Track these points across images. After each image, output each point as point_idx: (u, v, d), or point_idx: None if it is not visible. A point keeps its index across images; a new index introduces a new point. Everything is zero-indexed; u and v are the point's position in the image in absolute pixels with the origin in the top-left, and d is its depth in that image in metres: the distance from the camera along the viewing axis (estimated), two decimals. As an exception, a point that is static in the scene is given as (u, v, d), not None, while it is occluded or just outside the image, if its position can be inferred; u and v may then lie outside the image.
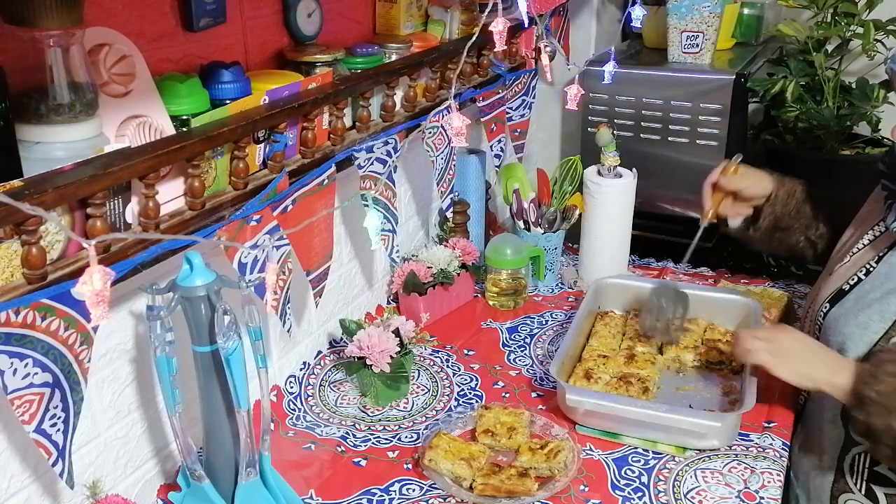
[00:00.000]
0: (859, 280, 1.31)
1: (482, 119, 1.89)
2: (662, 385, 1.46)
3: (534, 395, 1.49)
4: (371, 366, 1.41)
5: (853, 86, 2.22)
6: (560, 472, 1.24)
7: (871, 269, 1.30)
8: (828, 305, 1.33)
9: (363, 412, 1.45)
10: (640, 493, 1.23)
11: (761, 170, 1.56)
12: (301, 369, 1.54)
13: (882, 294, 1.24)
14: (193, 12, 1.19)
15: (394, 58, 1.58)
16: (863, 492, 1.26)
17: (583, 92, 1.49)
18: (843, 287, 1.32)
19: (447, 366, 1.59)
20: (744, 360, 1.35)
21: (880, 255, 1.30)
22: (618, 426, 1.34)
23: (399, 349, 1.43)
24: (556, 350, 1.50)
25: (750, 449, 1.32)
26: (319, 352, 1.61)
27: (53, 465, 0.95)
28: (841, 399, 1.19)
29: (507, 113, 1.96)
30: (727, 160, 1.57)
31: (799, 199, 1.53)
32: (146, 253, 1.04)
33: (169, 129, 1.14)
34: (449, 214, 1.90)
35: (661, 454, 1.32)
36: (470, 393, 1.50)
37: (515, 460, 1.27)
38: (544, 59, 1.54)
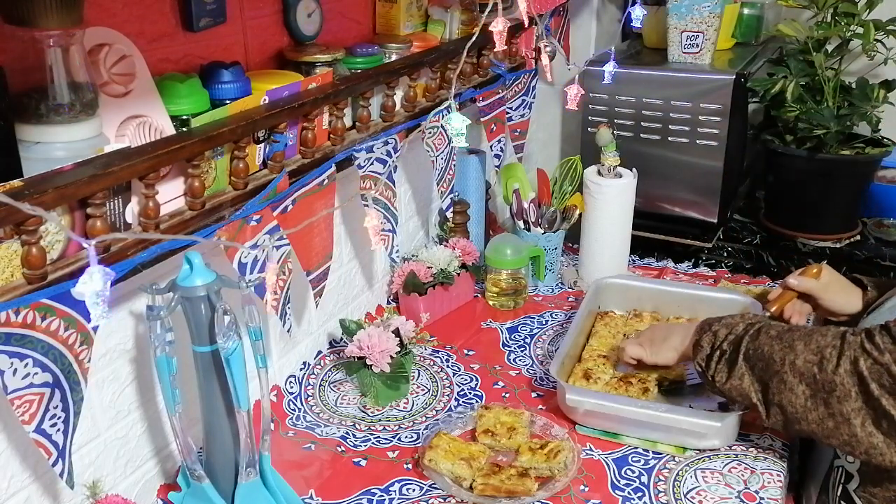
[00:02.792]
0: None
1: (482, 119, 1.89)
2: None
3: (534, 395, 1.49)
4: (371, 366, 1.41)
5: (853, 86, 2.22)
6: (560, 473, 1.24)
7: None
8: (865, 316, 1.32)
9: (363, 412, 1.45)
10: (640, 493, 1.23)
11: (860, 282, 1.42)
12: (301, 369, 1.54)
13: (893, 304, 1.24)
14: (193, 12, 1.19)
15: (394, 58, 1.58)
16: None
17: (583, 92, 1.49)
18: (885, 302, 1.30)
19: (447, 366, 1.59)
20: (622, 359, 1.45)
21: None
22: (618, 426, 1.34)
23: (399, 349, 1.43)
24: (556, 350, 1.50)
25: (750, 449, 1.32)
26: (319, 352, 1.61)
27: (53, 465, 0.95)
28: (695, 337, 1.29)
29: (507, 113, 1.96)
30: (814, 264, 1.48)
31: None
32: (146, 253, 1.04)
33: (169, 129, 1.14)
34: (449, 214, 1.90)
35: (661, 454, 1.32)
36: (470, 393, 1.50)
37: (515, 460, 1.27)
38: (544, 59, 1.54)
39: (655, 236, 2.14)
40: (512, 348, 1.64)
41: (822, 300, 1.43)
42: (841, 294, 1.42)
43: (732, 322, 1.26)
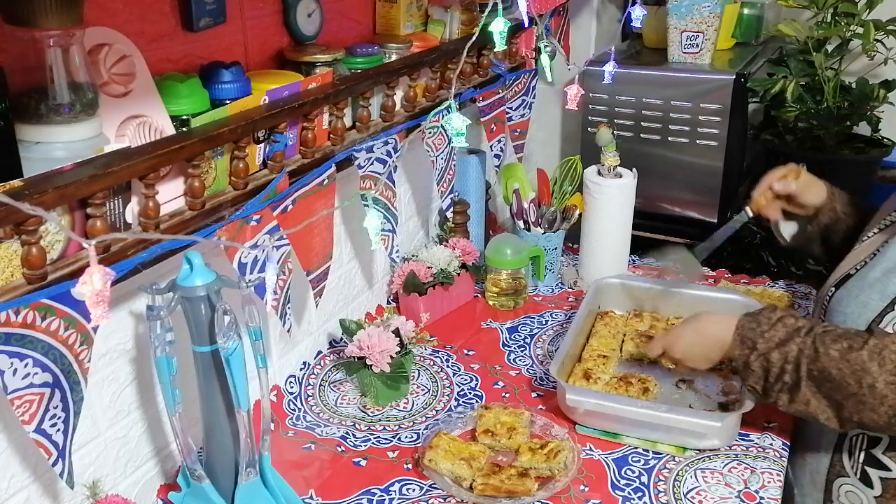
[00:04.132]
0: (865, 263, 1.31)
1: (482, 119, 1.89)
2: (662, 385, 1.46)
3: (534, 395, 1.49)
4: (371, 366, 1.41)
5: (853, 86, 2.22)
6: (560, 473, 1.24)
7: (877, 253, 1.31)
8: (833, 289, 1.34)
9: (363, 412, 1.45)
10: (640, 493, 1.23)
11: (817, 179, 1.55)
12: (301, 369, 1.54)
13: (882, 273, 1.25)
14: (193, 12, 1.19)
15: (394, 58, 1.58)
16: (858, 476, 1.25)
17: (583, 92, 1.49)
18: (850, 272, 1.33)
19: (447, 366, 1.59)
20: (651, 354, 1.43)
21: (887, 239, 1.31)
22: (618, 426, 1.34)
23: (399, 349, 1.43)
24: (556, 350, 1.50)
25: (750, 449, 1.33)
26: (319, 352, 1.61)
27: (53, 465, 0.95)
28: (733, 351, 1.25)
29: (507, 113, 1.96)
30: (793, 165, 1.54)
31: (847, 211, 1.52)
32: (146, 253, 1.04)
33: (169, 129, 1.14)
34: (449, 214, 1.90)
35: (661, 454, 1.32)
36: (470, 393, 1.50)
37: (515, 460, 1.27)
38: (544, 59, 1.54)
39: (655, 236, 2.14)
40: (512, 348, 1.64)
41: (799, 198, 1.51)
42: (813, 190, 1.52)
43: (781, 339, 1.20)
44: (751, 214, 1.55)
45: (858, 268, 1.32)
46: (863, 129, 2.25)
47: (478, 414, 1.37)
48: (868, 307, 1.23)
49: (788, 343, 1.19)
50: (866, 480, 1.25)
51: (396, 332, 1.44)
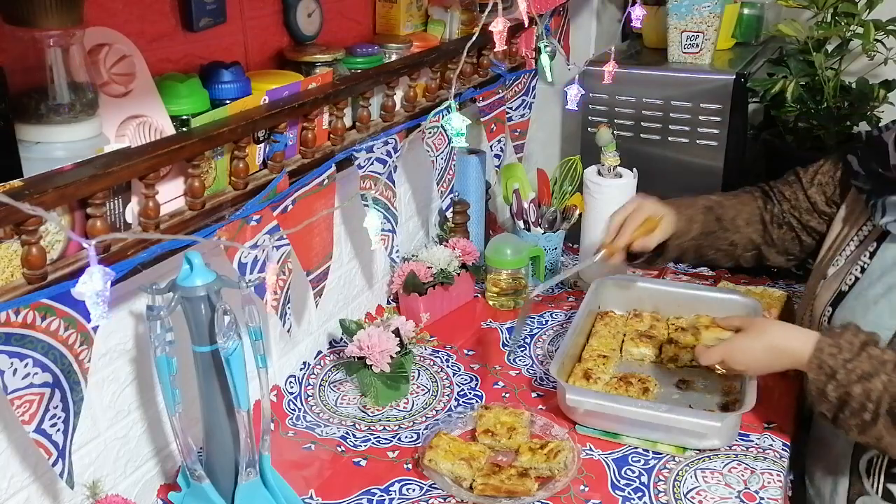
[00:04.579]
0: (857, 279, 1.30)
1: (482, 119, 1.89)
2: (662, 385, 1.46)
3: (534, 395, 1.49)
4: (371, 366, 1.41)
5: (853, 86, 2.22)
6: (560, 473, 1.24)
7: (866, 265, 1.29)
8: (830, 309, 1.32)
9: (363, 412, 1.45)
10: (640, 493, 1.23)
11: (660, 204, 1.50)
12: (301, 369, 1.54)
13: (885, 289, 1.24)
14: (193, 12, 1.19)
15: (394, 58, 1.58)
16: (880, 494, 1.24)
17: (583, 92, 1.49)
18: (843, 288, 1.32)
19: (447, 366, 1.59)
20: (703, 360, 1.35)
21: (871, 251, 1.29)
22: (618, 426, 1.34)
23: (399, 349, 1.43)
24: (556, 350, 1.50)
25: (750, 449, 1.32)
26: (319, 352, 1.61)
27: (53, 465, 0.95)
28: (811, 374, 1.19)
29: (507, 113, 1.96)
30: (649, 209, 1.48)
31: (700, 224, 1.50)
32: (146, 253, 1.04)
33: (169, 129, 1.14)
34: (449, 214, 1.90)
35: (661, 454, 1.32)
36: (470, 393, 1.50)
37: (515, 460, 1.27)
38: (544, 59, 1.54)
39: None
40: (512, 348, 1.64)
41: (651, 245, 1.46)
42: (663, 232, 1.47)
43: (866, 373, 1.13)
44: (601, 259, 1.47)
45: (850, 283, 1.30)
46: (863, 129, 2.25)
47: (478, 414, 1.37)
48: (882, 325, 1.21)
49: (873, 378, 1.12)
50: (889, 497, 1.24)
51: (396, 332, 1.44)
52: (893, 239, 1.26)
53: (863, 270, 1.30)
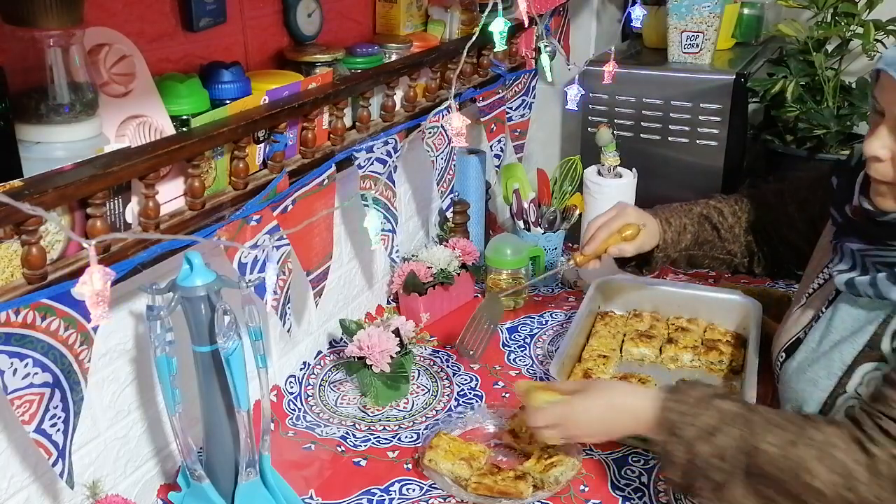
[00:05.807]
0: (811, 328, 1.20)
1: (482, 119, 1.89)
2: (662, 385, 1.46)
3: (534, 395, 1.49)
4: (371, 366, 1.41)
5: (853, 86, 2.22)
6: (550, 486, 1.22)
7: (820, 315, 1.18)
8: (784, 355, 1.23)
9: (363, 412, 1.45)
10: (640, 493, 1.23)
11: (644, 212, 1.45)
12: (301, 369, 1.54)
13: (830, 346, 1.13)
14: (193, 12, 1.19)
15: (394, 58, 1.58)
16: None
17: (583, 92, 1.49)
18: (800, 335, 1.21)
19: (447, 366, 1.59)
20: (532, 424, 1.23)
21: (829, 298, 1.18)
22: (618, 426, 1.34)
23: (399, 349, 1.43)
24: (556, 350, 1.50)
25: (750, 449, 1.32)
26: (319, 352, 1.61)
27: (53, 465, 0.95)
28: (653, 435, 1.11)
29: (507, 113, 1.96)
30: (630, 217, 1.42)
31: (692, 235, 1.47)
32: (146, 253, 1.04)
33: (169, 129, 1.14)
34: (449, 214, 1.90)
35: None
36: (470, 393, 1.50)
37: (521, 463, 1.27)
38: (544, 59, 1.54)
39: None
40: (512, 348, 1.64)
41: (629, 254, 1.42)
42: (645, 241, 1.42)
43: (712, 427, 1.05)
44: (575, 265, 1.42)
45: (807, 331, 1.20)
46: (863, 129, 2.25)
47: (513, 414, 1.36)
48: (818, 386, 1.12)
49: (719, 434, 1.03)
50: None
51: (396, 332, 1.44)
52: (845, 296, 1.13)
53: (816, 319, 1.19)
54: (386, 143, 1.47)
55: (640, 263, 1.50)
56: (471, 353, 1.36)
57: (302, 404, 1.47)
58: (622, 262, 1.51)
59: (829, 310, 1.16)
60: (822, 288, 1.22)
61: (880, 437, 0.98)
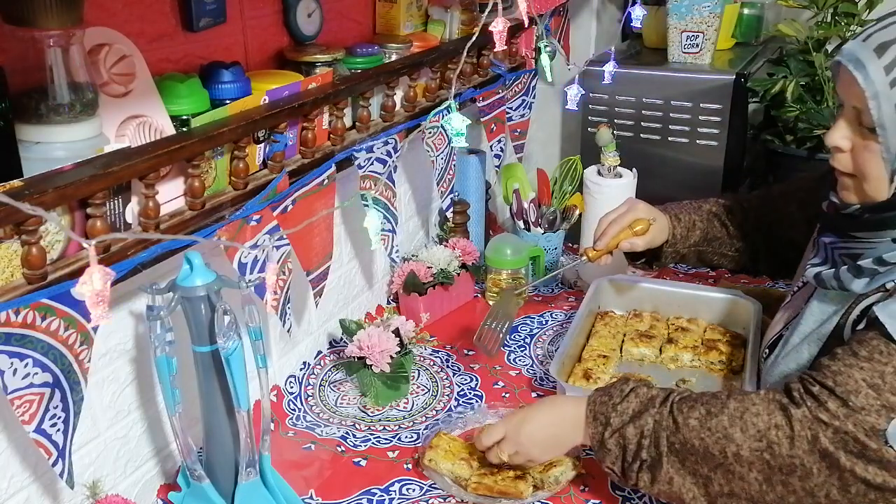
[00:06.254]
0: (791, 324, 1.21)
1: (482, 119, 1.89)
2: (662, 385, 1.46)
3: (534, 395, 1.49)
4: (371, 366, 1.41)
5: (853, 86, 2.22)
6: (550, 486, 1.22)
7: (801, 311, 1.19)
8: (766, 352, 1.25)
9: (363, 412, 1.45)
10: (640, 493, 1.23)
11: (654, 208, 1.46)
12: (301, 369, 1.54)
13: (798, 341, 1.15)
14: (193, 12, 1.19)
15: (394, 58, 1.58)
16: None
17: (583, 92, 1.49)
18: (783, 332, 1.23)
19: (447, 366, 1.59)
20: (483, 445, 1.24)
21: (809, 295, 1.19)
22: (617, 426, 1.34)
23: (399, 349, 1.43)
24: (556, 350, 1.50)
25: (750, 449, 1.32)
26: (319, 352, 1.61)
27: (53, 465, 0.95)
28: (589, 430, 1.13)
29: (507, 113, 1.96)
30: (641, 212, 1.43)
31: (701, 231, 1.48)
32: (146, 253, 1.04)
33: (169, 129, 1.14)
34: (449, 214, 1.90)
35: (661, 454, 1.32)
36: (470, 393, 1.50)
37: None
38: (544, 59, 1.54)
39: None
40: (512, 348, 1.64)
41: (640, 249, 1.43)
42: (656, 237, 1.44)
43: (636, 412, 1.09)
44: (588, 260, 1.43)
45: (789, 327, 1.21)
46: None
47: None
48: (788, 379, 1.11)
49: (643, 415, 1.08)
50: None
51: (396, 332, 1.44)
52: (819, 291, 1.15)
53: (798, 315, 1.19)
54: (386, 143, 1.47)
55: (649, 259, 1.51)
56: (488, 349, 1.38)
57: (302, 404, 1.47)
58: (632, 258, 1.53)
59: (806, 305, 1.18)
60: (806, 285, 1.23)
61: (803, 399, 1.01)
